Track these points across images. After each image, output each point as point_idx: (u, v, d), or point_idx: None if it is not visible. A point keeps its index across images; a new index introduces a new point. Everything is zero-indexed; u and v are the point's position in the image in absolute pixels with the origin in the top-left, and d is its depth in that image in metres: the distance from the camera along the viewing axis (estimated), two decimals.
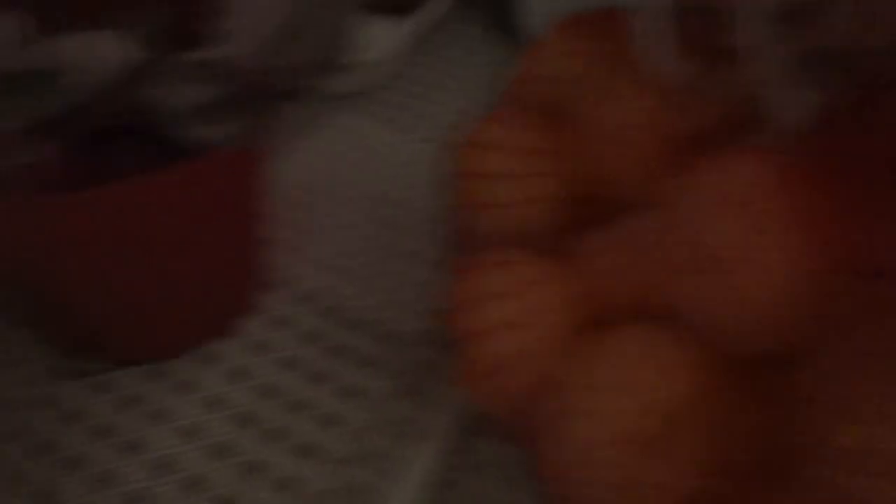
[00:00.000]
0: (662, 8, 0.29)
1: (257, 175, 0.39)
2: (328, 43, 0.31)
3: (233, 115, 0.29)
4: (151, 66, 0.28)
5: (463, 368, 0.30)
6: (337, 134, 0.55)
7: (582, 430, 0.26)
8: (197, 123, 0.29)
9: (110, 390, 0.39)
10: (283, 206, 0.47)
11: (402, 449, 0.37)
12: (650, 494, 0.26)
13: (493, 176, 0.32)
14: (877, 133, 0.25)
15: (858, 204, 0.25)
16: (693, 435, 0.26)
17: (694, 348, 0.27)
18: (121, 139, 0.32)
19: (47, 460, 0.36)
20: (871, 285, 0.24)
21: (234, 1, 0.28)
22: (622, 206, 0.30)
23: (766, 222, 0.25)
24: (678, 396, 0.26)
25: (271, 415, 0.38)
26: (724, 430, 0.26)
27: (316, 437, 0.37)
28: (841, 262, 0.24)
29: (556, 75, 0.35)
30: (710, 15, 0.28)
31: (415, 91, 0.59)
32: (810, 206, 0.25)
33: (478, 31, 0.65)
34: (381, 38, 0.58)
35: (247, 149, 0.35)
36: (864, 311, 0.23)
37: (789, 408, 0.24)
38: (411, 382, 0.39)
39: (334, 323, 0.42)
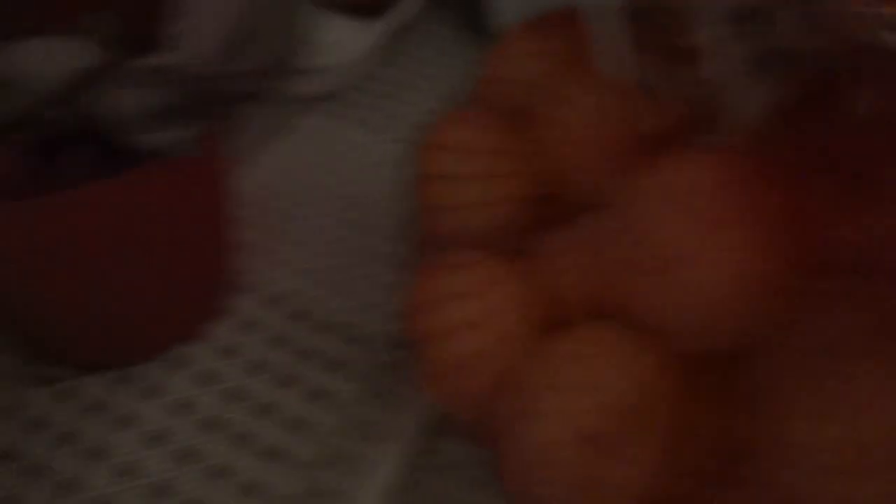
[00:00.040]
0: (618, 9, 0.29)
1: (221, 179, 0.39)
2: (283, 46, 0.30)
3: (187, 120, 0.29)
4: (104, 71, 0.28)
5: (424, 369, 0.30)
6: (308, 136, 0.55)
7: (542, 430, 0.26)
8: (151, 129, 0.28)
9: (76, 396, 0.38)
10: (253, 209, 0.47)
11: (368, 451, 0.36)
12: (610, 493, 0.26)
13: (452, 177, 0.32)
14: (828, 131, 0.26)
15: (809, 202, 0.25)
16: (651, 434, 0.26)
17: (652, 348, 0.27)
18: (76, 146, 0.32)
19: (11, 467, 0.36)
20: (820, 282, 0.24)
21: (188, 6, 0.28)
22: (584, 206, 0.31)
23: (715, 221, 0.25)
24: (636, 396, 0.26)
25: (238, 419, 0.38)
26: (682, 428, 0.26)
27: (282, 441, 0.37)
28: (791, 259, 0.24)
29: (520, 76, 0.35)
30: (666, 15, 0.29)
31: (386, 92, 0.59)
32: (761, 205, 0.25)
33: (449, 32, 0.65)
34: (353, 40, 0.58)
35: (206, 153, 0.34)
36: (814, 308, 0.23)
37: (743, 405, 0.24)
38: (378, 385, 0.39)
39: (303, 326, 0.42)
